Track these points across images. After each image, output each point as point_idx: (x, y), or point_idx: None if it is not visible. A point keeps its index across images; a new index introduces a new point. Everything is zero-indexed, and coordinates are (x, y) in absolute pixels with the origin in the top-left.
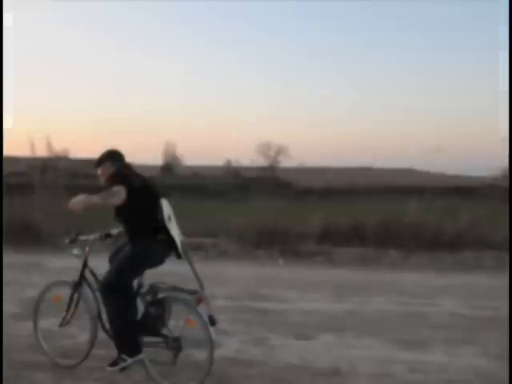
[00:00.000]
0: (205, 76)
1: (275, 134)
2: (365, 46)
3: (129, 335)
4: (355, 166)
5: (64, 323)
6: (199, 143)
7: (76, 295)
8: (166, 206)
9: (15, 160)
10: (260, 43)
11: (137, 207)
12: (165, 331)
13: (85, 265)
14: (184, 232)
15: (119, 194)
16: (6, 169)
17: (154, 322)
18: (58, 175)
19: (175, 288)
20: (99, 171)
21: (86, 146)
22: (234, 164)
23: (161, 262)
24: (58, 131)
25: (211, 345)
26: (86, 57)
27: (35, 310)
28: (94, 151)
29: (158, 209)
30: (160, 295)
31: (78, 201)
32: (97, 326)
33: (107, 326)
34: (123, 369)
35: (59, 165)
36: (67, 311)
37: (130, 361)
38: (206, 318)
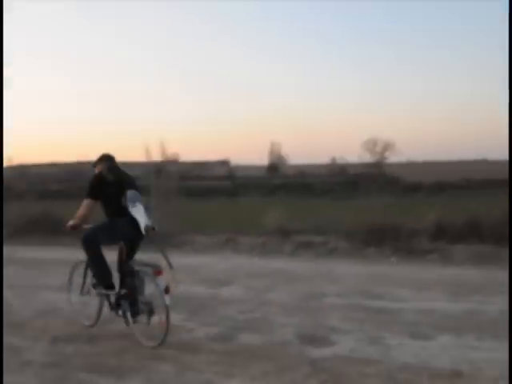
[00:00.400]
0: (306, 75)
1: (380, 130)
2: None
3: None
4: (469, 159)
5: (84, 292)
6: (303, 142)
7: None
8: (133, 196)
9: (131, 165)
10: (354, 41)
11: (107, 196)
12: (141, 298)
13: None
14: (292, 229)
15: (84, 206)
16: None
17: (131, 290)
18: (171, 178)
19: (144, 263)
20: (96, 170)
21: (195, 150)
22: (339, 161)
23: (125, 236)
24: (170, 136)
25: (167, 309)
26: (192, 63)
27: (68, 284)
28: (204, 154)
29: (123, 197)
30: (135, 268)
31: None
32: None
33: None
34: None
35: (171, 168)
36: (84, 282)
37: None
38: (161, 288)
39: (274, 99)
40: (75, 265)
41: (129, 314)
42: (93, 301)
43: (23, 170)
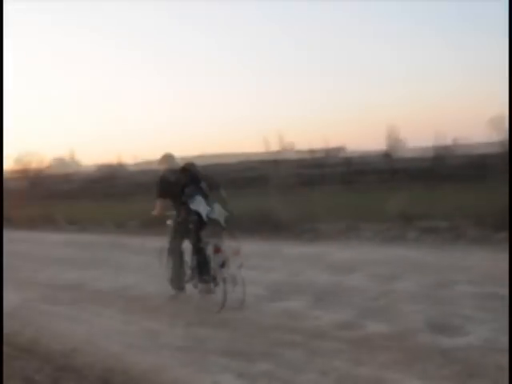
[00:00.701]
0: (419, 62)
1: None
2: None
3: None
4: None
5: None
6: (421, 124)
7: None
8: (190, 192)
9: (247, 155)
10: None
11: (171, 194)
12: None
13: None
14: (415, 215)
15: (158, 206)
16: (240, 164)
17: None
18: (288, 167)
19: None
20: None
21: (309, 139)
22: (462, 142)
23: (190, 228)
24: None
25: (225, 280)
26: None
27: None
28: (316, 143)
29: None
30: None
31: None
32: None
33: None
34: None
35: (288, 157)
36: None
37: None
38: (219, 263)
39: (391, 86)
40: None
41: (197, 282)
42: None
43: (149, 166)
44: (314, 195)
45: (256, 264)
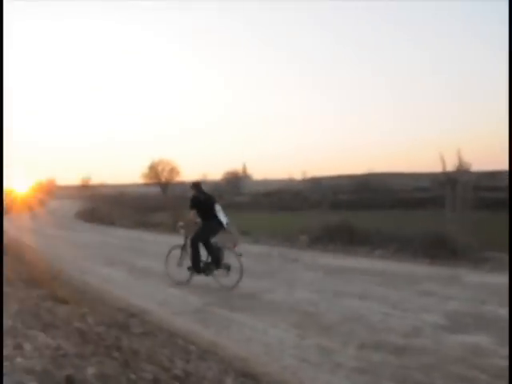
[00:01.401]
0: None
1: None
2: None
3: (196, 264)
4: None
5: (179, 264)
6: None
7: (183, 251)
8: (218, 207)
9: (417, 176)
10: None
11: (201, 209)
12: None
13: (186, 237)
14: None
15: (192, 214)
16: (409, 184)
17: (218, 257)
18: (466, 188)
19: (225, 245)
20: (193, 191)
21: (488, 159)
22: None
23: (216, 231)
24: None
25: (241, 266)
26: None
27: (166, 260)
28: (497, 164)
29: (212, 207)
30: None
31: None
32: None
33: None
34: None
35: (464, 178)
36: (180, 259)
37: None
38: (237, 253)
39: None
40: (172, 248)
41: (215, 270)
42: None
43: (316, 182)
44: (497, 220)
45: (432, 290)
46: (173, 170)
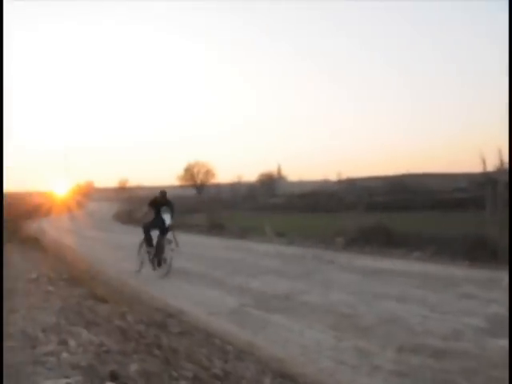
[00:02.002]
0: None
1: None
2: None
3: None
4: None
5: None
6: None
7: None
8: (164, 209)
9: (454, 176)
10: None
11: (154, 208)
12: (162, 256)
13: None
14: None
15: (146, 211)
16: (447, 185)
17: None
18: (506, 189)
19: (167, 239)
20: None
21: None
22: None
23: (157, 225)
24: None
25: (170, 259)
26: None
27: (138, 253)
28: None
29: (160, 209)
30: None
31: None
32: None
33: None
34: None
35: (504, 178)
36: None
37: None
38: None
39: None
40: (141, 243)
41: (156, 264)
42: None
43: (351, 183)
44: None
45: (472, 293)
46: (208, 172)
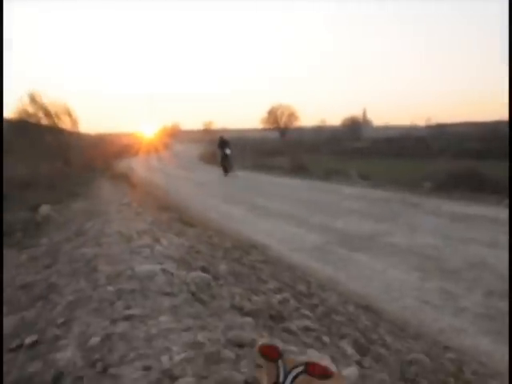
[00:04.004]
0: None
1: None
2: None
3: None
4: None
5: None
6: None
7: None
8: (227, 145)
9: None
10: None
11: (220, 146)
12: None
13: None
14: None
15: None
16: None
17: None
18: None
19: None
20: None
21: None
22: None
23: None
24: None
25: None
26: None
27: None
28: None
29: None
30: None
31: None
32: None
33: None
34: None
35: None
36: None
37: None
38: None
39: None
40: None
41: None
42: None
43: (441, 129)
44: None
45: None
46: (291, 115)
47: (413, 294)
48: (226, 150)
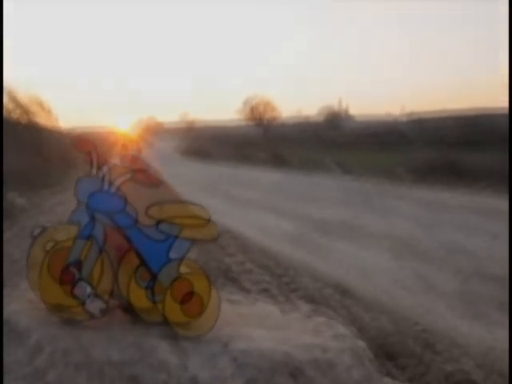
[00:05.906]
0: None
1: None
2: None
3: None
4: None
5: None
6: None
7: None
8: None
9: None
10: None
11: None
12: None
13: None
14: None
15: None
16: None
17: None
18: None
19: None
20: None
21: None
22: None
23: None
24: None
25: None
26: None
27: None
28: None
29: None
30: None
31: None
32: None
33: None
34: None
35: None
36: None
37: None
38: None
39: None
40: None
41: None
42: None
43: (420, 124)
44: None
45: None
46: (267, 105)
47: (386, 275)
48: None
